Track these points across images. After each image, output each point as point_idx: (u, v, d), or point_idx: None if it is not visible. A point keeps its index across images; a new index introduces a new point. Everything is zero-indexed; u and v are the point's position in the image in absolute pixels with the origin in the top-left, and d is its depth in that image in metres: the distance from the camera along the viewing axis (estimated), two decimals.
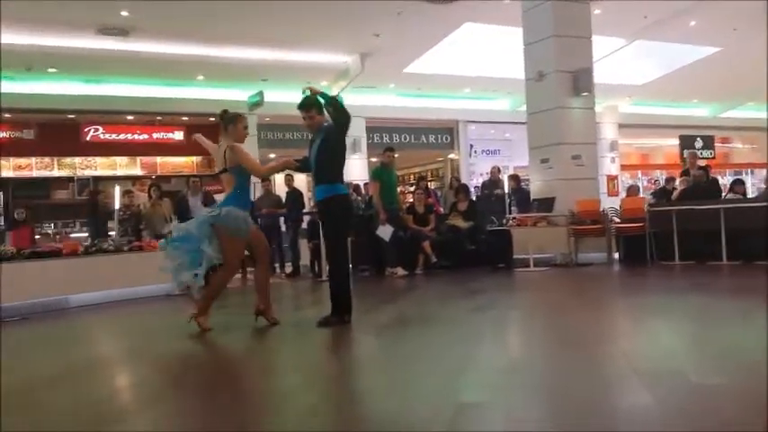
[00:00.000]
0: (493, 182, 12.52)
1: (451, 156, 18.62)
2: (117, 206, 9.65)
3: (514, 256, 9.84)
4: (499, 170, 12.73)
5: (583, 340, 4.45)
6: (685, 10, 12.97)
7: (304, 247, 10.45)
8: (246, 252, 5.54)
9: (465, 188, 11.19)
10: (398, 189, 11.57)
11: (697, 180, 10.67)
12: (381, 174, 9.73)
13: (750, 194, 14.05)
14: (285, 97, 12.76)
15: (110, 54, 12.27)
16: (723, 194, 10.80)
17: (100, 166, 15.40)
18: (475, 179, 17.28)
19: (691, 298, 6.33)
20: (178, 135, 15.90)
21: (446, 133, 18.30)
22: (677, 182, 11.67)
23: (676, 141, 20.66)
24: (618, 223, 10.23)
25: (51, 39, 11.49)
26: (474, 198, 12.00)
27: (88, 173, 15.21)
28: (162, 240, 5.59)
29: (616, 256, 10.16)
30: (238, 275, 8.53)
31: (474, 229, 10.18)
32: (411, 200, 12.34)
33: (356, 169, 15.93)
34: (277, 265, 10.70)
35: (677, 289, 7.21)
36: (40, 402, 3.40)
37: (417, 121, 17.48)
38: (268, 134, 15.50)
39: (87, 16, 11.05)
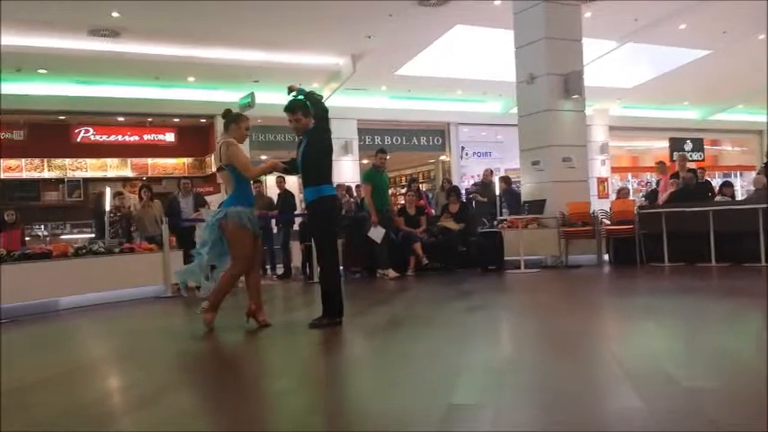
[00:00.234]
0: (485, 184, 12.55)
1: (443, 158, 18.65)
2: (107, 208, 9.62)
3: (505, 258, 9.89)
4: (491, 172, 12.76)
5: (573, 341, 4.48)
6: (675, 13, 13.05)
7: (295, 248, 10.45)
8: None
9: (456, 190, 11.22)
10: (390, 191, 11.58)
11: (686, 182, 10.74)
12: (373, 176, 9.75)
13: (739, 197, 14.16)
14: (276, 99, 12.70)
15: (100, 55, 12.22)
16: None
17: (90, 168, 15.34)
18: (466, 181, 17.32)
19: (680, 299, 6.38)
20: (169, 137, 15.88)
21: (437, 135, 18.33)
22: (654, 183, 11.71)
23: (666, 144, 20.77)
24: (608, 225, 10.30)
25: (41, 40, 11.43)
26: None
27: (78, 174, 15.15)
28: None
29: (606, 257, 10.22)
30: None
31: (465, 230, 10.21)
32: (402, 202, 12.35)
33: (348, 171, 15.94)
34: (268, 266, 10.70)
35: (666, 290, 7.26)
36: (31, 405, 3.39)
37: (409, 123, 17.50)
38: (259, 136, 15.46)
39: (78, 17, 11.01)
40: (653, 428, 2.60)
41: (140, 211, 9.91)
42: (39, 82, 13.12)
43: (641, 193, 17.90)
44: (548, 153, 10.47)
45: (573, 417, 2.79)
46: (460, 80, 15.67)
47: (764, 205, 8.58)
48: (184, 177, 11.86)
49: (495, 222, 10.57)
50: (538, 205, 10.08)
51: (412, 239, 9.86)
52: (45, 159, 14.95)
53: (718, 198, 10.35)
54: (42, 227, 13.19)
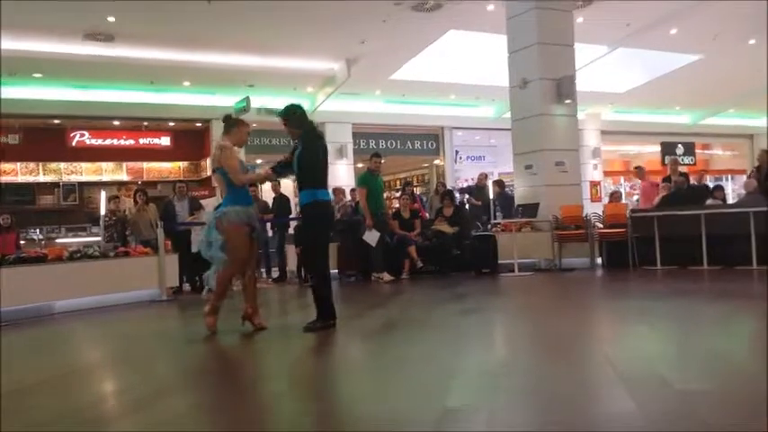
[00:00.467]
0: (479, 188, 12.63)
1: (437, 161, 18.70)
2: (103, 212, 9.64)
3: (499, 261, 9.95)
4: (486, 176, 12.82)
5: (567, 344, 4.53)
6: (666, 18, 13.16)
7: (291, 252, 10.48)
8: None
9: (450, 194, 11.28)
10: (384, 195, 11.63)
11: (678, 186, 10.83)
12: (368, 180, 9.80)
13: (730, 200, 14.27)
14: (271, 103, 12.81)
15: (96, 59, 12.23)
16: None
17: (86, 172, 15.31)
18: (460, 185, 17.37)
19: (672, 302, 6.44)
20: (164, 140, 15.85)
21: (432, 139, 18.38)
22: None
23: (658, 148, 20.88)
24: (601, 229, 10.37)
25: (37, 44, 11.45)
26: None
27: (74, 178, 15.12)
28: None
29: (599, 261, 10.29)
30: None
31: (459, 234, 10.27)
32: (397, 205, 12.41)
33: (342, 175, 15.98)
34: (263, 270, 10.73)
35: (659, 293, 7.31)
36: (26, 408, 3.41)
37: (403, 127, 17.54)
38: (254, 140, 15.46)
39: (73, 21, 11.03)
40: (647, 429, 2.64)
41: (135, 215, 9.92)
42: (34, 86, 13.11)
43: (635, 196, 18.01)
44: (541, 157, 10.55)
45: (567, 419, 2.82)
46: (454, 85, 15.75)
47: (756, 209, 8.67)
48: (180, 181, 11.86)
49: (489, 226, 10.63)
50: (531, 209, 10.15)
51: (406, 243, 9.91)
52: (40, 163, 14.91)
53: (709, 201, 10.43)
54: (37, 231, 13.17)
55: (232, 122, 5.62)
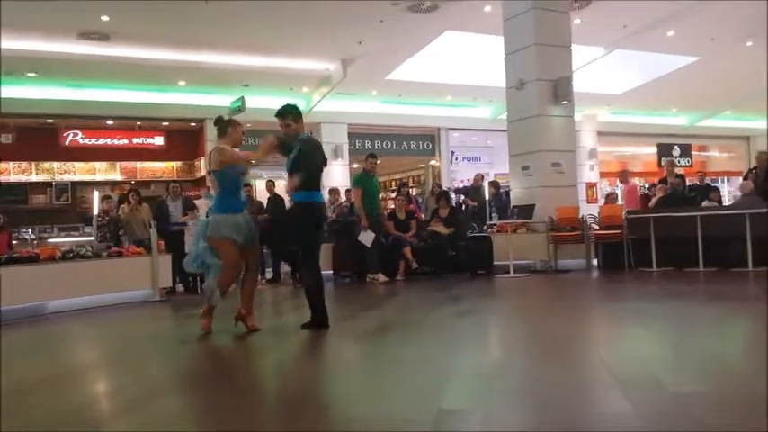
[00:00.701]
0: (475, 189, 12.59)
1: (433, 162, 18.68)
2: (96, 212, 9.57)
3: (495, 263, 9.91)
4: (482, 177, 12.79)
5: (562, 346, 4.50)
6: (663, 20, 13.16)
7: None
8: None
9: (446, 195, 11.25)
10: (380, 195, 11.60)
11: (674, 188, 10.81)
12: (364, 180, 9.76)
13: (726, 202, 14.28)
14: (267, 103, 12.73)
15: (90, 59, 12.18)
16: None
17: (79, 171, 15.25)
18: (456, 185, 17.34)
19: (668, 304, 6.41)
20: (158, 140, 15.81)
21: (428, 140, 18.36)
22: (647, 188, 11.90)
23: (654, 149, 20.91)
24: (596, 230, 10.34)
25: (31, 43, 11.39)
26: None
27: (67, 178, 15.06)
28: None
29: (595, 262, 10.27)
30: None
31: (455, 235, 10.23)
32: (392, 206, 12.37)
33: (338, 175, 15.93)
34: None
35: (655, 295, 7.29)
36: (20, 408, 3.37)
37: (399, 127, 17.51)
38: (249, 140, 15.38)
39: (68, 21, 10.97)
40: (643, 430, 2.62)
41: (128, 215, 9.85)
42: (27, 85, 13.04)
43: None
44: (537, 158, 10.52)
45: (562, 420, 2.80)
46: (450, 85, 15.72)
47: (752, 210, 8.65)
48: (173, 181, 11.80)
49: (485, 227, 10.60)
50: (527, 210, 10.11)
51: (402, 244, 9.87)
52: (33, 163, 14.85)
53: (705, 203, 10.42)
54: (30, 230, 13.09)
55: (225, 124, 5.54)
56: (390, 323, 5.94)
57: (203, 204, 9.23)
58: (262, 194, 11.73)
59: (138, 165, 15.80)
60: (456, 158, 18.50)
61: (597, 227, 10.46)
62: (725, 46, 14.68)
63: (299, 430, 2.89)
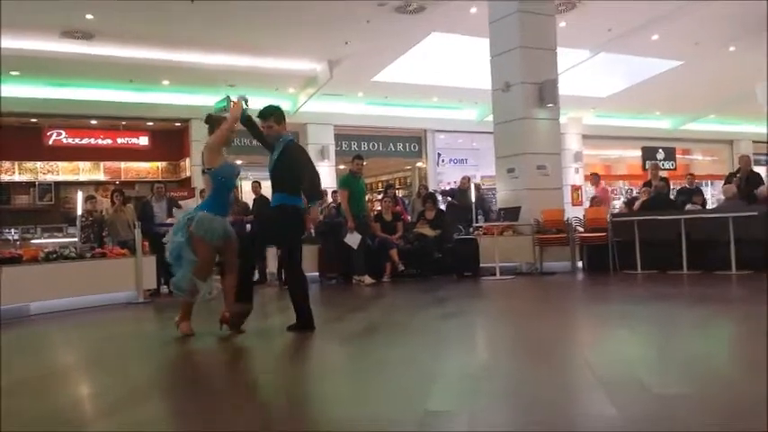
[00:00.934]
0: (461, 191, 12.60)
1: (419, 164, 18.69)
2: (79, 212, 9.48)
3: (481, 265, 9.93)
4: (469, 179, 12.81)
5: (547, 348, 4.51)
6: (648, 24, 13.26)
7: (270, 254, 10.37)
8: (217, 259, 5.53)
9: (433, 197, 11.25)
10: (366, 197, 11.58)
11: (658, 191, 10.88)
12: (350, 182, 9.74)
13: (710, 206, 14.40)
14: (253, 104, 12.66)
15: (74, 57, 12.07)
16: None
17: (62, 171, 15.12)
18: (442, 188, 17.35)
19: (653, 306, 6.45)
20: (143, 140, 15.68)
21: (414, 142, 18.38)
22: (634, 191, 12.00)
23: (639, 153, 21.05)
24: (581, 233, 10.39)
25: (14, 41, 11.25)
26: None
27: (50, 178, 14.93)
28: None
29: (580, 264, 10.31)
30: None
31: (441, 237, 10.23)
32: (379, 208, 12.36)
33: (324, 177, 15.86)
34: None
35: (639, 297, 7.32)
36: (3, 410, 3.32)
37: (386, 129, 17.52)
38: (235, 140, 15.35)
39: (51, 19, 10.87)
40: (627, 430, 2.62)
41: (113, 216, 9.77)
42: (10, 84, 12.88)
43: (621, 199, 18.16)
44: (523, 161, 10.55)
45: (547, 420, 2.80)
46: (437, 87, 15.75)
47: (735, 214, 8.73)
48: (158, 181, 11.73)
49: (471, 229, 10.61)
50: (513, 212, 10.14)
51: (388, 246, 9.86)
52: (16, 162, 14.71)
53: (689, 206, 10.50)
54: (12, 231, 12.94)
55: (214, 122, 5.60)
56: (376, 325, 5.92)
57: (190, 205, 9.19)
58: (247, 196, 11.69)
59: (123, 165, 15.69)
60: (442, 160, 18.53)
61: (582, 229, 10.51)
62: (708, 50, 14.82)
63: (285, 431, 2.88)
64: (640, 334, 5.02)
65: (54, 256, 7.92)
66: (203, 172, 5.67)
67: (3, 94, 12.87)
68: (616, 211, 13.97)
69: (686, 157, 23.08)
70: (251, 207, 10.86)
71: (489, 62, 11.10)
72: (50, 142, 14.75)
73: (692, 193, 11.82)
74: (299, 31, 12.13)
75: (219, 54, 12.92)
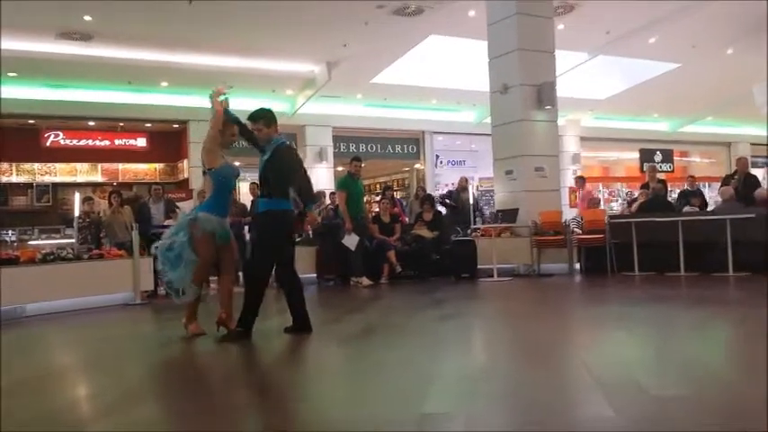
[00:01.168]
0: (459, 192, 12.58)
1: (417, 166, 18.70)
2: (77, 213, 9.46)
3: (478, 267, 9.92)
4: (467, 181, 12.80)
5: (545, 350, 4.51)
6: (646, 27, 13.28)
7: None
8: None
9: (430, 198, 11.25)
10: (364, 198, 11.56)
11: (656, 192, 10.89)
12: (348, 183, 9.74)
13: (709, 207, 14.39)
14: (250, 105, 12.64)
15: (72, 59, 12.06)
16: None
17: (60, 173, 15.09)
18: (441, 189, 17.36)
19: (650, 308, 6.45)
20: (141, 142, 15.67)
21: (412, 143, 18.39)
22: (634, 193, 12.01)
23: (637, 155, 21.09)
24: (579, 234, 10.39)
25: (11, 42, 11.24)
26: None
27: (48, 179, 14.91)
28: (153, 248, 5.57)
29: (577, 266, 10.31)
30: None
31: (439, 239, 10.23)
32: (377, 209, 12.35)
33: (322, 178, 15.89)
34: (241, 273, 10.57)
35: (637, 299, 7.33)
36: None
37: (384, 131, 17.53)
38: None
39: (49, 20, 10.86)
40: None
41: (110, 217, 9.76)
42: (8, 85, 12.86)
43: (618, 201, 18.17)
44: (521, 162, 10.55)
45: (544, 422, 2.80)
46: (435, 89, 15.76)
47: (732, 216, 8.74)
48: (156, 183, 11.72)
49: (469, 231, 10.61)
50: (511, 214, 10.14)
51: (386, 247, 9.85)
52: (13, 164, 14.67)
53: (686, 208, 10.51)
54: (10, 232, 12.92)
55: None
56: (374, 327, 5.92)
57: (187, 207, 9.17)
58: (245, 197, 11.68)
59: (120, 166, 15.67)
60: (440, 162, 18.54)
61: (580, 231, 10.51)
62: (706, 53, 14.85)
63: None
64: (638, 335, 5.02)
65: (51, 257, 7.89)
66: (204, 173, 5.68)
67: (1, 96, 12.89)
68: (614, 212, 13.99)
69: (684, 159, 23.13)
70: (249, 209, 10.82)
71: (487, 64, 11.11)
72: (48, 143, 14.74)
73: (693, 195, 11.83)
74: (298, 32, 12.13)
75: (218, 55, 12.91)
